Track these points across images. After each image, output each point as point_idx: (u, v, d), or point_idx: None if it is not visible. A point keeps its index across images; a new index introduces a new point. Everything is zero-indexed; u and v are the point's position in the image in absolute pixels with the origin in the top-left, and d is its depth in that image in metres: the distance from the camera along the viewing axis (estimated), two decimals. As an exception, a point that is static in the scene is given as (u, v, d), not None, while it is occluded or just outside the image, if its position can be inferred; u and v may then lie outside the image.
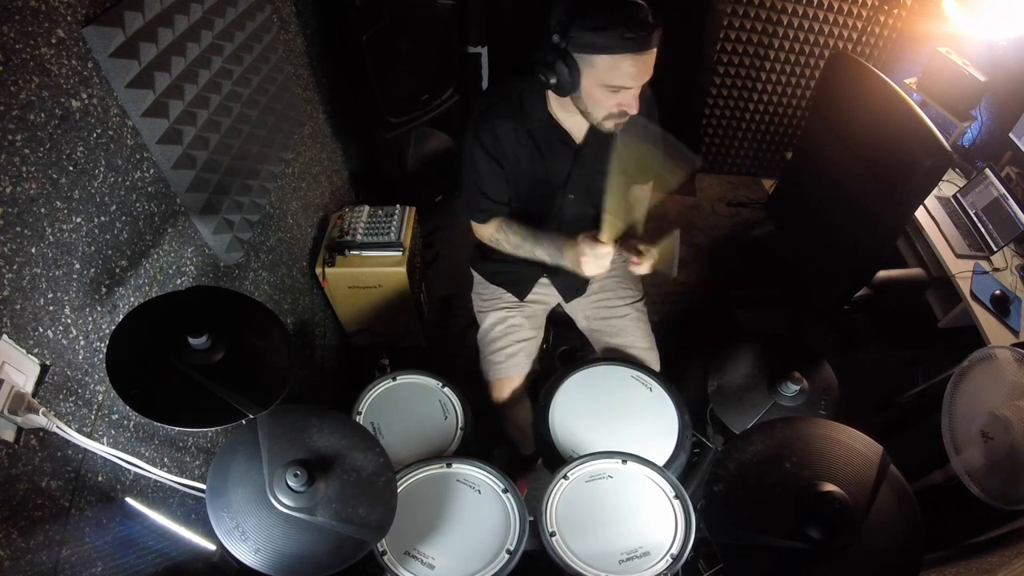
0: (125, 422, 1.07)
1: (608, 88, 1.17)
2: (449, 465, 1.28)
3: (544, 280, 1.66)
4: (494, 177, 1.40)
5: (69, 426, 0.88)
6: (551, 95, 1.31)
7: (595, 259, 1.31)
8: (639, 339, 1.62)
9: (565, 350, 2.29)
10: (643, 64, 1.14)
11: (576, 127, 1.36)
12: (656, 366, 1.61)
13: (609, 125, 1.24)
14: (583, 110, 1.25)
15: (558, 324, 1.79)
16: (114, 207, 1.03)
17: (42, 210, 0.87)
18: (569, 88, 1.19)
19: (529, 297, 1.66)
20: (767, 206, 2.50)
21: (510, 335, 1.60)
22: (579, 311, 1.71)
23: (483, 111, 1.36)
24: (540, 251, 1.44)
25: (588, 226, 1.56)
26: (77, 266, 0.95)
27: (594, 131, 1.35)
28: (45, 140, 0.87)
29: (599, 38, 1.10)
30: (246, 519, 0.94)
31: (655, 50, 1.14)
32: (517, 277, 1.63)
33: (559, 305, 1.72)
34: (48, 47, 0.88)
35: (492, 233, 1.49)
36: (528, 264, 1.62)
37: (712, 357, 1.53)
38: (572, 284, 1.65)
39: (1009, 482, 1.23)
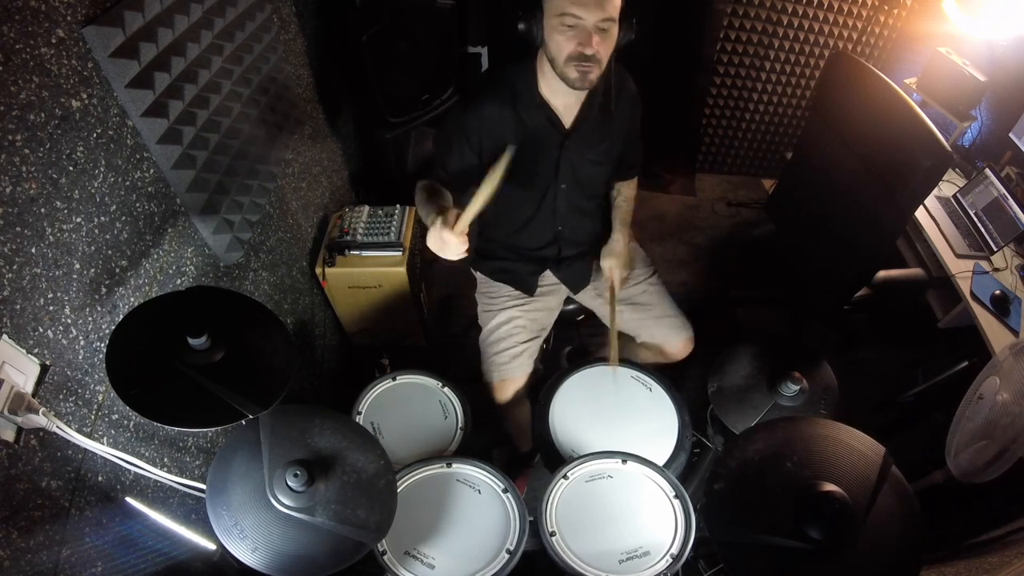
0: (125, 422, 1.07)
1: (561, 21, 1.17)
2: (449, 465, 1.28)
3: (547, 273, 1.66)
4: (460, 160, 1.38)
5: (69, 426, 0.88)
6: (540, 76, 1.32)
7: (439, 243, 1.16)
8: (666, 308, 1.63)
9: (571, 350, 2.29)
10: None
11: (565, 109, 1.37)
12: (689, 330, 1.63)
13: (573, 74, 1.23)
14: (551, 59, 1.25)
15: (559, 324, 1.79)
16: (114, 207, 1.03)
17: (42, 210, 0.87)
18: (536, 33, 1.21)
19: (538, 292, 1.65)
20: (767, 206, 2.49)
21: (515, 336, 1.60)
22: (591, 300, 1.71)
23: (475, 92, 1.37)
24: (423, 212, 1.31)
25: (582, 220, 1.57)
26: (77, 266, 0.95)
27: (583, 116, 1.36)
28: (45, 140, 0.87)
29: None
30: (246, 519, 0.94)
31: None
32: (519, 274, 1.63)
33: (570, 300, 1.72)
34: (48, 47, 0.88)
35: (419, 187, 1.38)
36: (526, 260, 1.61)
37: (712, 357, 1.54)
38: (575, 274, 1.65)
39: (979, 458, 1.26)
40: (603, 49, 1.21)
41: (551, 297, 1.68)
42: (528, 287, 1.64)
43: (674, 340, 1.61)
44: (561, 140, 1.39)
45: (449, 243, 1.14)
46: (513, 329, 1.60)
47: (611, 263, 1.54)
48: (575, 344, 2.28)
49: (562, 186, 1.46)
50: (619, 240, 1.56)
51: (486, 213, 1.54)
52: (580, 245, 1.62)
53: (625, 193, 1.63)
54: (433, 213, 1.23)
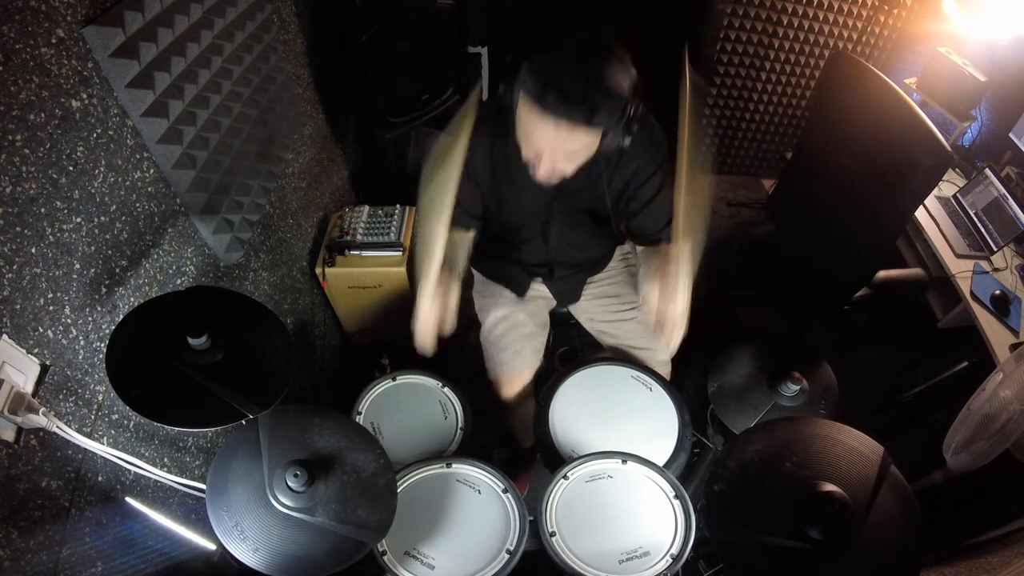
0: (125, 422, 1.07)
1: (524, 129, 1.10)
2: (449, 465, 1.28)
3: (538, 279, 1.65)
4: (468, 190, 1.32)
5: (69, 426, 0.88)
6: None
7: (419, 330, 1.25)
8: (647, 341, 1.61)
9: (565, 351, 2.29)
10: (557, 132, 1.05)
11: None
12: (667, 365, 1.60)
13: (534, 172, 1.17)
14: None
15: (558, 324, 1.79)
16: (114, 207, 1.03)
17: (42, 210, 0.87)
18: (510, 110, 1.11)
19: (529, 294, 1.65)
20: (767, 206, 2.50)
21: (515, 331, 1.59)
22: (583, 312, 1.70)
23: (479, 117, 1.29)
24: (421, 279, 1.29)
25: (577, 250, 1.52)
26: (77, 266, 0.95)
27: (582, 168, 1.23)
28: (45, 140, 0.87)
29: (531, 80, 1.03)
30: (246, 519, 0.94)
31: (584, 131, 1.05)
32: (513, 276, 1.62)
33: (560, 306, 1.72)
34: (48, 47, 0.88)
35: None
36: (521, 265, 1.61)
37: (712, 357, 1.53)
38: (566, 289, 1.65)
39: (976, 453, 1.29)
40: (567, 165, 1.12)
41: (544, 299, 1.68)
42: (519, 289, 1.63)
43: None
44: (554, 187, 1.27)
45: (423, 334, 1.24)
46: (512, 325, 1.60)
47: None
48: (574, 344, 2.29)
49: (555, 223, 1.41)
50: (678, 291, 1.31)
51: (490, 218, 1.52)
52: (573, 268, 1.60)
53: (652, 261, 1.35)
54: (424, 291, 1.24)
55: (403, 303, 2.09)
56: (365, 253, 1.98)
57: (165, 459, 1.19)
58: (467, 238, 1.41)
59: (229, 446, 1.01)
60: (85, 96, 0.95)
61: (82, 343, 0.97)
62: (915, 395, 2.21)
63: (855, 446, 1.05)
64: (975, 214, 2.14)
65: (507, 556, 1.13)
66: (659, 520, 1.18)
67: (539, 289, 1.67)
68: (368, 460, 1.06)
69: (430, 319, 1.24)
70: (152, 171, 1.14)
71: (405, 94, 2.19)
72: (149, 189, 1.14)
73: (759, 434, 1.10)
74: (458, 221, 1.37)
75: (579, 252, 1.55)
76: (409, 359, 1.48)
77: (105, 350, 0.95)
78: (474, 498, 1.24)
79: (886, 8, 2.69)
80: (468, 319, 1.72)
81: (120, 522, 1.03)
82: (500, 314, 1.61)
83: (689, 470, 1.59)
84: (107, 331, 1.02)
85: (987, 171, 2.14)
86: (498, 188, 1.35)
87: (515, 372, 1.58)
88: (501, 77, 1.11)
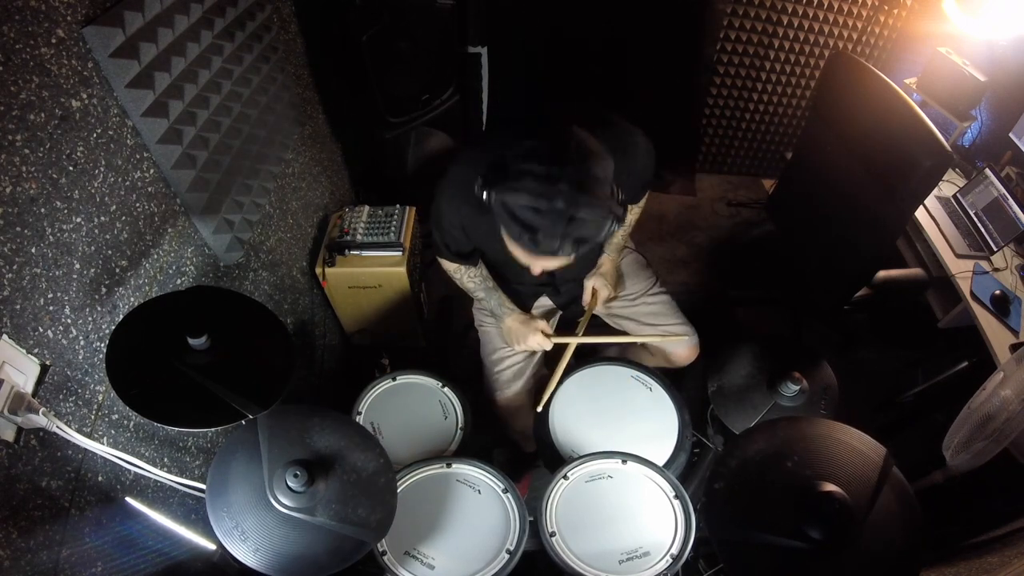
0: (125, 422, 1.07)
1: (509, 248, 1.08)
2: (449, 465, 1.28)
3: (543, 298, 1.65)
4: (457, 239, 1.36)
5: (69, 426, 0.88)
6: None
7: (524, 347, 1.46)
8: (669, 319, 1.61)
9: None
10: (544, 260, 1.06)
11: None
12: (694, 337, 1.60)
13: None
14: None
15: (559, 325, 1.79)
16: (114, 207, 1.03)
17: (42, 210, 0.87)
18: (489, 208, 1.01)
19: (534, 310, 1.65)
20: (767, 206, 2.49)
21: (512, 356, 1.59)
22: (600, 309, 1.70)
23: (450, 182, 1.25)
24: (488, 303, 1.51)
25: (579, 269, 1.53)
26: (77, 266, 0.95)
27: None
28: (45, 140, 0.87)
29: (505, 219, 0.97)
30: (246, 519, 0.94)
31: (572, 255, 1.03)
32: (515, 292, 1.60)
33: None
34: (48, 47, 0.88)
35: (451, 271, 1.49)
36: (524, 284, 1.60)
37: (712, 357, 1.53)
38: (574, 301, 1.64)
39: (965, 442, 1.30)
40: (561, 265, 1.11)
41: (544, 309, 1.68)
42: (522, 306, 1.62)
43: (679, 348, 1.61)
44: None
45: (538, 340, 1.43)
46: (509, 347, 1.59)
47: (594, 282, 1.51)
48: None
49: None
50: (605, 262, 1.53)
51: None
52: (576, 280, 1.60)
53: (626, 218, 1.50)
54: (506, 309, 1.48)
55: (403, 303, 2.09)
56: (365, 253, 1.98)
57: (165, 459, 1.19)
58: (473, 271, 1.49)
59: (229, 446, 1.01)
60: (85, 96, 0.95)
61: (82, 343, 0.97)
62: (915, 395, 2.20)
63: (856, 446, 1.05)
64: (975, 214, 2.14)
65: (507, 556, 1.13)
66: (659, 520, 1.18)
67: (541, 305, 1.66)
68: (368, 460, 1.06)
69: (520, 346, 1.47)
70: (152, 171, 1.14)
71: (405, 94, 2.19)
72: (149, 189, 1.14)
73: (759, 434, 1.10)
74: (449, 259, 1.45)
75: (583, 267, 1.55)
76: (409, 359, 1.48)
77: (105, 350, 0.95)
78: (474, 498, 1.24)
79: (886, 8, 2.69)
80: (469, 319, 1.72)
81: (120, 522, 1.03)
82: (496, 332, 1.60)
83: (689, 470, 1.59)
84: (107, 331, 1.02)
85: (987, 171, 2.14)
86: (492, 247, 1.34)
87: (513, 392, 1.59)
88: (479, 182, 1.00)
